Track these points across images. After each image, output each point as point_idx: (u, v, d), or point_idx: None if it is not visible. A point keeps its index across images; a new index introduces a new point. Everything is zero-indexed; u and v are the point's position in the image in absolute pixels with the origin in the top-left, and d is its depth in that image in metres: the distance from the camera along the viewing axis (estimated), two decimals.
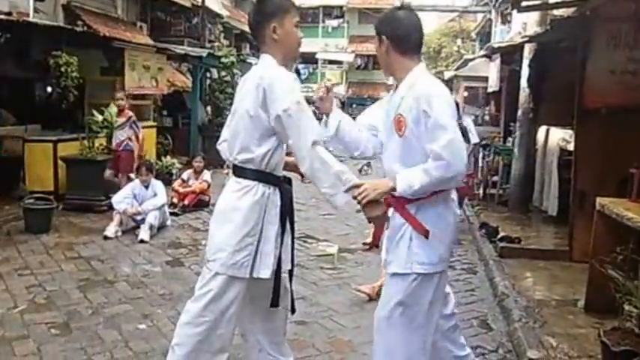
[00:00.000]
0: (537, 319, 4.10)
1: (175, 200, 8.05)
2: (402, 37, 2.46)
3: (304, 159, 2.41)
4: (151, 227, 6.52)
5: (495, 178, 9.19)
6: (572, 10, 6.52)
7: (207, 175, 8.47)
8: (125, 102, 8.02)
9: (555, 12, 7.30)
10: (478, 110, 15.19)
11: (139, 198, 6.87)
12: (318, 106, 2.68)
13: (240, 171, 2.55)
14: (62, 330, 3.89)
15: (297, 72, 34.89)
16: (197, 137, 13.28)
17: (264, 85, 2.41)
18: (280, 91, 2.39)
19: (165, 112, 13.66)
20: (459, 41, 29.49)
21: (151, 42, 12.79)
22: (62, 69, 8.07)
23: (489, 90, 11.66)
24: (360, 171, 12.27)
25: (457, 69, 15.96)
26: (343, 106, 31.45)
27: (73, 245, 6.09)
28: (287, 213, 2.59)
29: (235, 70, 13.99)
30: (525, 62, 7.92)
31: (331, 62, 34.81)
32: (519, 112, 8.10)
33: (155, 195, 6.89)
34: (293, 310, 2.70)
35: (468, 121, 4.56)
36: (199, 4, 16.21)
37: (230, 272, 2.50)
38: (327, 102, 2.66)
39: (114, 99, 8.23)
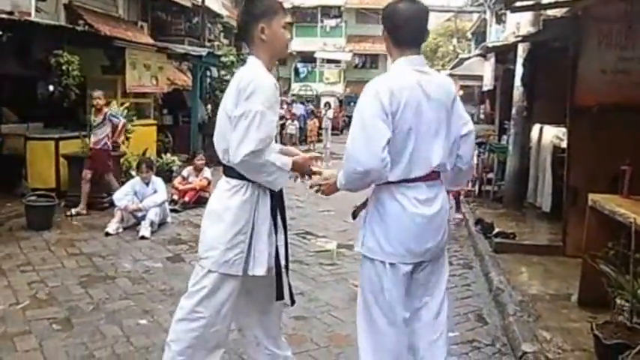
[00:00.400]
0: (532, 313, 4.14)
1: (176, 197, 8.12)
2: (396, 29, 2.42)
3: (235, 165, 2.43)
4: (152, 224, 6.59)
5: (490, 175, 9.26)
6: (564, 10, 6.59)
7: (207, 172, 8.52)
8: (102, 101, 7.83)
9: (548, 12, 7.38)
10: (473, 109, 15.30)
11: (139, 195, 6.94)
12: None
13: (229, 170, 2.54)
14: (64, 325, 3.90)
15: (296, 71, 35.01)
16: (197, 135, 13.38)
17: (240, 86, 2.43)
18: (250, 94, 2.39)
19: (165, 111, 13.70)
20: (454, 41, 29.55)
21: (151, 41, 12.88)
22: (64, 68, 8.08)
23: (484, 89, 11.73)
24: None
25: (453, 68, 16.08)
26: (341, 104, 31.65)
27: (74, 242, 6.13)
28: (278, 210, 2.59)
29: (235, 69, 14.03)
30: (519, 61, 7.97)
31: (329, 61, 34.91)
32: (514, 111, 8.13)
33: (155, 192, 6.95)
34: (292, 302, 2.71)
35: None
36: (199, 3, 16.29)
37: (222, 270, 2.50)
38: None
39: (91, 98, 8.01)
